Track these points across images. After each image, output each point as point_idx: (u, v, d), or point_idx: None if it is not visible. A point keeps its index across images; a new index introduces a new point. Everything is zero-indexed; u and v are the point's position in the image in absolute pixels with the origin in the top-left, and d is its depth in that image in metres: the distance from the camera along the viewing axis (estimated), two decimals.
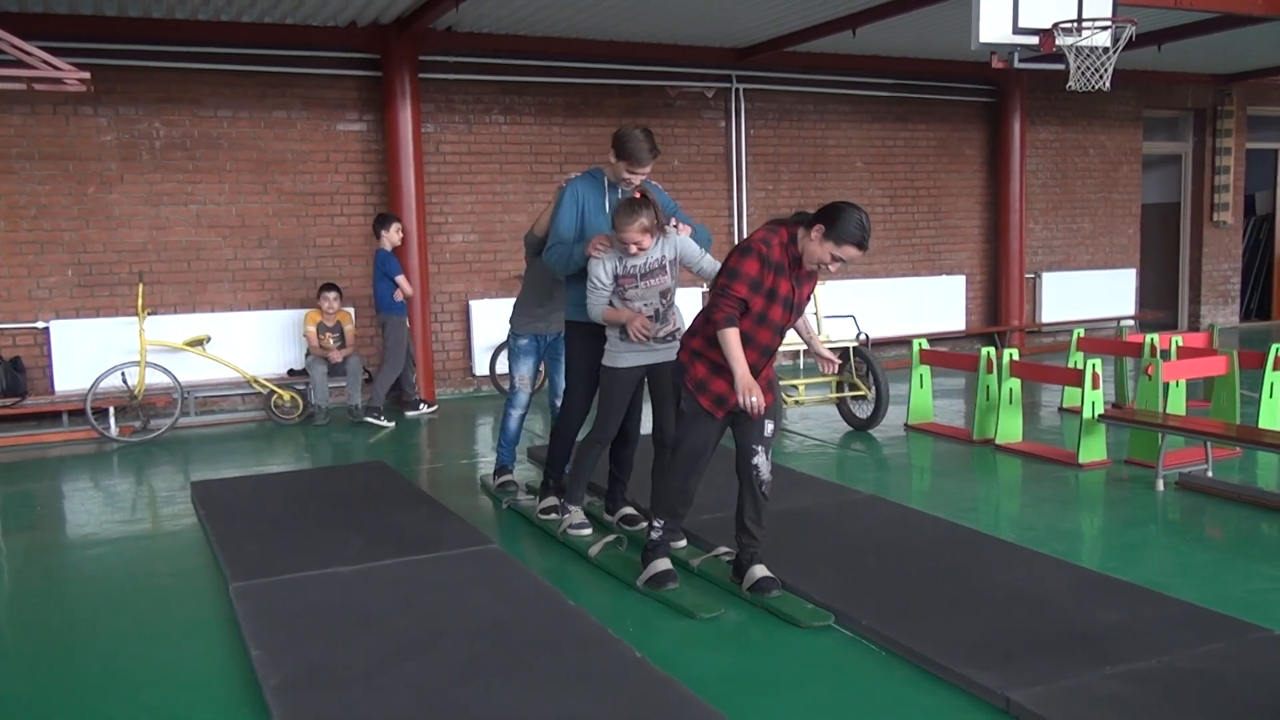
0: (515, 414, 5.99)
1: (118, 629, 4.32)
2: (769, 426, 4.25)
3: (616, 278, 4.67)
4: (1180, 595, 4.18)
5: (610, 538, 4.92)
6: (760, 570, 4.29)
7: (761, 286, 4.01)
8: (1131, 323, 12.98)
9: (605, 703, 3.34)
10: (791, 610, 4.11)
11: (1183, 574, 4.61)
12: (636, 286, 4.68)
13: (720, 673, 3.68)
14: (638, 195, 4.64)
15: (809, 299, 4.26)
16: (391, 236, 8.85)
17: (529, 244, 5.63)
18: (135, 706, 3.56)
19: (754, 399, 3.97)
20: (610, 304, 4.71)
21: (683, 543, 4.90)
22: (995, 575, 4.44)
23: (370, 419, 8.69)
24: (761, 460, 4.26)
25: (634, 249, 4.57)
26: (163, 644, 4.14)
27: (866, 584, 4.40)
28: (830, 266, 3.97)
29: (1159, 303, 14.17)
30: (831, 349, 8.39)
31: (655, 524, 4.41)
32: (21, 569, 5.20)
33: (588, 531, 5.14)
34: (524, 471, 6.70)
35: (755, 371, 4.10)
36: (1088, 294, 13.03)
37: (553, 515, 5.43)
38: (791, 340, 9.13)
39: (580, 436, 5.28)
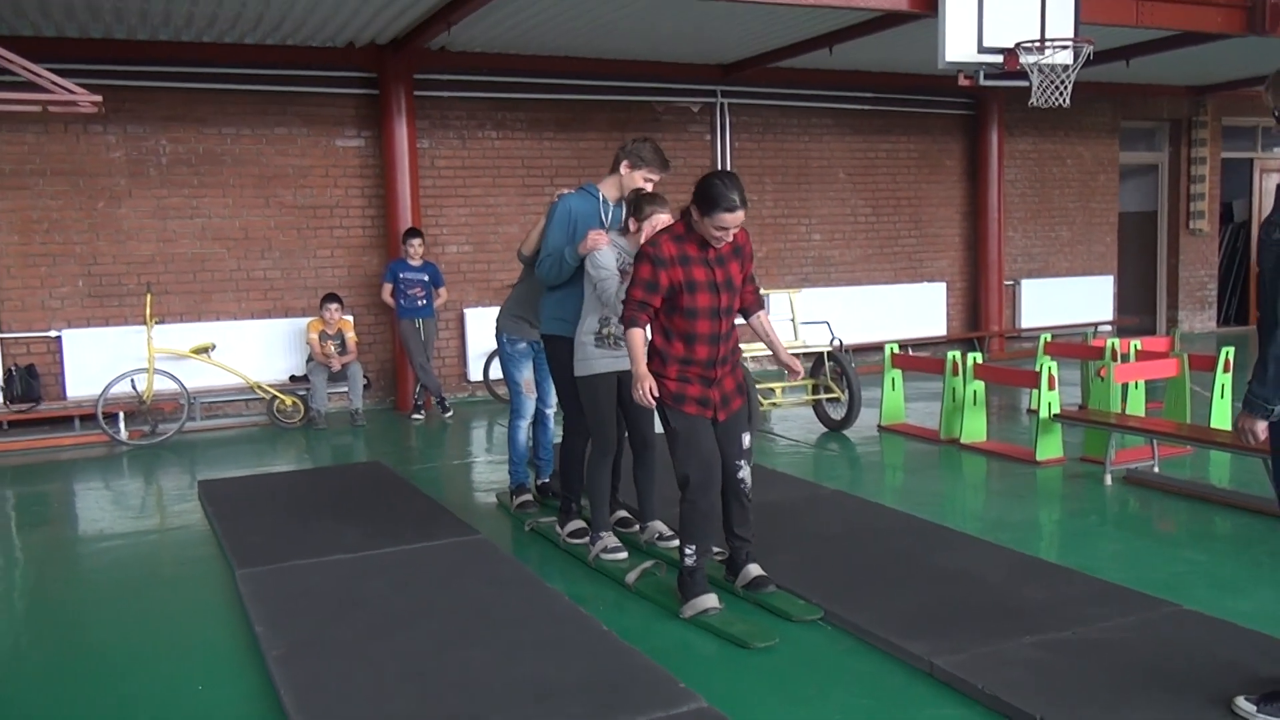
0: (523, 424, 5.95)
1: (135, 610, 4.72)
2: (746, 439, 4.46)
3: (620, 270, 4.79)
4: (1106, 577, 4.56)
5: (648, 564, 4.77)
6: (755, 569, 4.53)
7: (659, 286, 4.14)
8: (1109, 328, 13.38)
9: (570, 668, 3.73)
10: (784, 606, 4.34)
11: (1113, 558, 5.00)
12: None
13: (678, 643, 4.08)
14: (648, 189, 4.84)
15: (743, 276, 4.37)
16: (406, 249, 9.38)
17: (523, 259, 5.79)
18: (153, 675, 3.96)
19: (642, 391, 4.10)
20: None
21: (623, 555, 4.97)
22: (936, 559, 4.83)
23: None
24: (745, 474, 4.46)
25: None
26: (175, 623, 4.55)
27: (819, 567, 4.79)
28: (723, 237, 4.12)
29: (1138, 309, 14.56)
30: (807, 353, 8.82)
31: (686, 550, 4.30)
32: (43, 560, 5.61)
33: (623, 555, 4.97)
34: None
35: (713, 364, 4.26)
36: (1066, 300, 13.42)
37: (581, 540, 5.22)
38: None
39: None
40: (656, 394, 4.19)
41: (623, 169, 5.07)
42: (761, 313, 4.63)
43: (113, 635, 4.42)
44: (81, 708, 3.70)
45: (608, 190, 5.16)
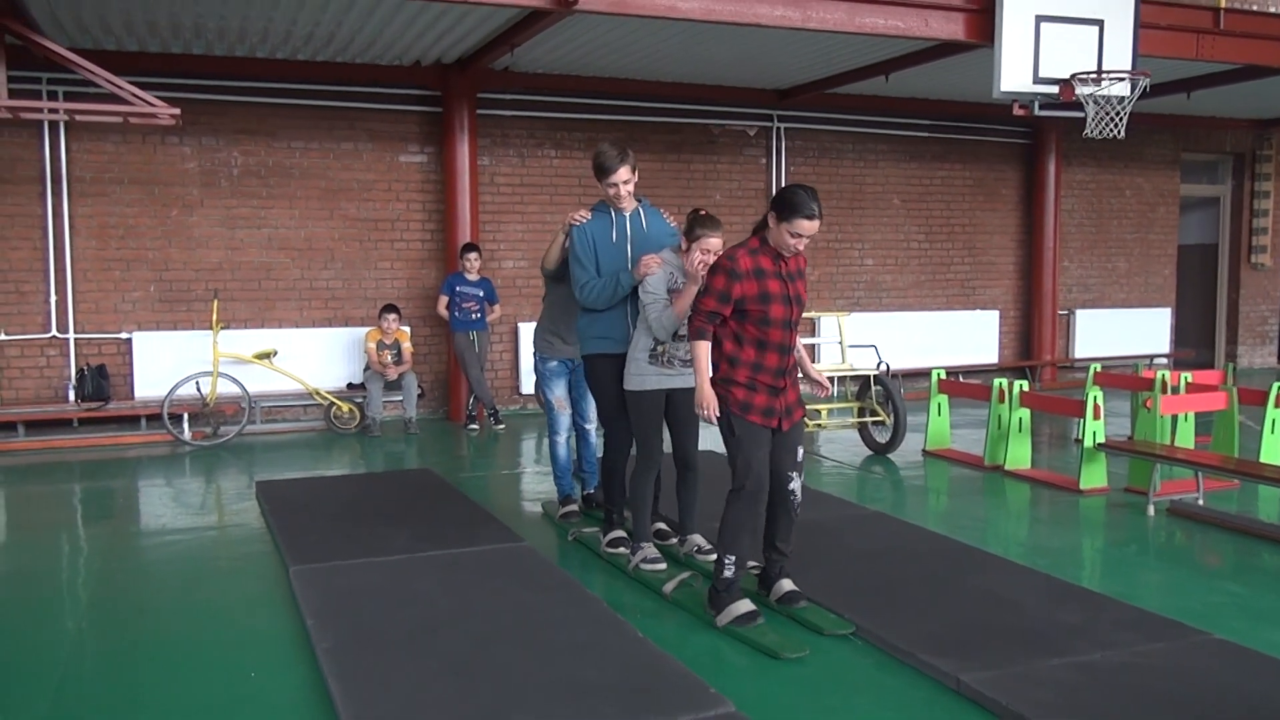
0: (561, 439, 6.10)
1: (192, 600, 4.94)
2: (800, 451, 4.58)
3: (667, 291, 4.96)
4: (1141, 605, 4.59)
5: (685, 574, 4.90)
6: (788, 584, 4.64)
7: (730, 298, 4.30)
8: (1166, 361, 13.25)
9: (606, 670, 3.86)
10: (816, 620, 4.44)
11: (1149, 587, 5.02)
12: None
13: (710, 652, 4.20)
14: (703, 213, 4.94)
15: (805, 293, 4.53)
16: (462, 264, 9.62)
17: (546, 274, 5.92)
18: (208, 662, 4.16)
19: (706, 410, 4.36)
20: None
21: (662, 566, 5.08)
22: (971, 581, 4.88)
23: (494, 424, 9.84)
24: (797, 485, 4.57)
25: (711, 258, 4.75)
26: (230, 614, 4.75)
27: (854, 584, 4.87)
28: (796, 245, 4.29)
29: (1197, 342, 14.40)
30: (854, 377, 8.89)
31: (726, 560, 4.40)
32: (108, 551, 5.86)
33: (662, 566, 5.08)
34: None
35: (782, 373, 4.38)
36: (1122, 331, 13.32)
37: (621, 549, 5.40)
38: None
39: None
40: (719, 414, 4.37)
41: (599, 186, 5.24)
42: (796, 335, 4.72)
43: (172, 623, 4.63)
44: (141, 689, 3.90)
45: (612, 204, 5.28)
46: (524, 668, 3.88)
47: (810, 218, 4.24)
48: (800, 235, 4.28)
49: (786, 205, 4.26)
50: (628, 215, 5.29)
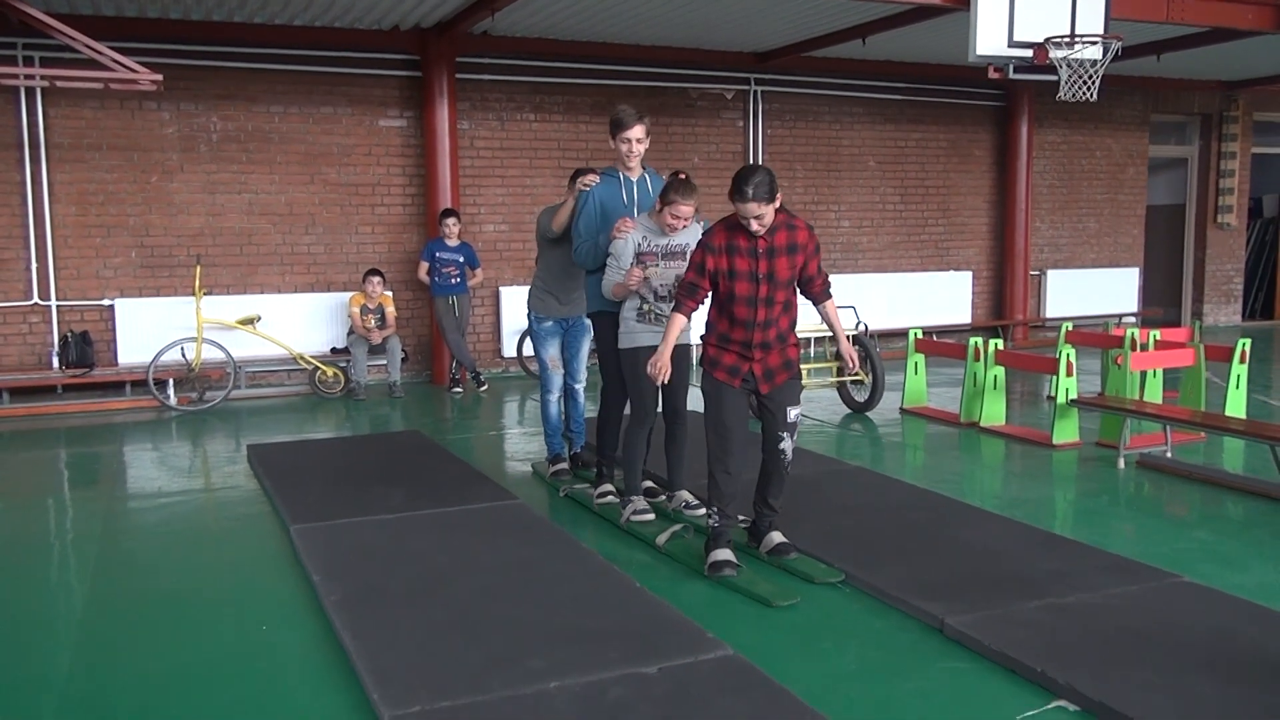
0: (552, 398, 6.21)
1: (197, 561, 5.06)
2: (793, 413, 4.71)
3: (638, 254, 5.11)
4: (1115, 551, 4.80)
5: (676, 527, 5.04)
6: (778, 536, 4.82)
7: (706, 270, 4.47)
8: (1134, 319, 13.53)
9: (608, 619, 4.02)
10: (807, 569, 4.61)
11: (1122, 535, 5.24)
12: (656, 265, 5.10)
13: (705, 600, 4.36)
14: (683, 176, 5.05)
15: (806, 271, 4.53)
16: (442, 229, 9.68)
17: (542, 232, 6.04)
18: (221, 617, 4.28)
19: (654, 370, 4.57)
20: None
21: (651, 517, 5.26)
22: (954, 531, 5.08)
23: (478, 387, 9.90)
24: (787, 445, 4.72)
25: (680, 224, 4.99)
26: (236, 572, 4.87)
27: (842, 535, 5.06)
28: (751, 225, 4.35)
29: (1164, 301, 14.69)
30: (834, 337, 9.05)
31: (711, 512, 4.63)
32: (107, 514, 5.93)
33: (651, 517, 5.27)
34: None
35: (749, 345, 4.52)
36: (1092, 291, 13.59)
37: (610, 499, 5.61)
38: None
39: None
40: (665, 379, 4.65)
41: (612, 144, 5.36)
42: (829, 301, 4.74)
43: (180, 580, 4.75)
44: (157, 642, 4.02)
45: (623, 168, 5.41)
46: (528, 617, 4.03)
47: (742, 200, 4.28)
48: (745, 217, 4.34)
49: (732, 192, 4.33)
50: (635, 181, 5.40)
